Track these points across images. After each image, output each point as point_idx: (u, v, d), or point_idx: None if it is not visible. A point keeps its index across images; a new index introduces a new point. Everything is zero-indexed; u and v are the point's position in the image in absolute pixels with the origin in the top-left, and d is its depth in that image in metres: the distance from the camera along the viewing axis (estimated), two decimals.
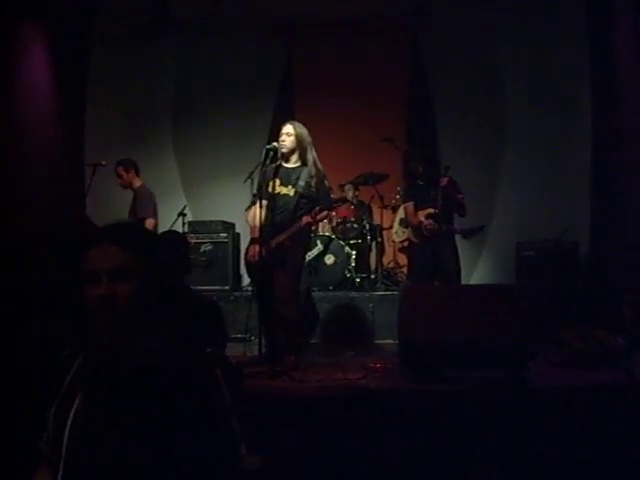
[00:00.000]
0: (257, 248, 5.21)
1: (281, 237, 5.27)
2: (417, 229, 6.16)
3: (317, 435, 3.81)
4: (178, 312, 1.85)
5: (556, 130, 8.27)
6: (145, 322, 1.74)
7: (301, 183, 5.34)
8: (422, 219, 6.06)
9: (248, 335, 6.54)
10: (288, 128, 5.42)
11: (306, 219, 5.26)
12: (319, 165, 5.47)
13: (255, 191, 5.56)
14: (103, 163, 7.11)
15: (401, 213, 6.63)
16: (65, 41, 7.76)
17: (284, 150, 5.38)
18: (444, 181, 5.97)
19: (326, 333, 6.66)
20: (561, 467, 3.67)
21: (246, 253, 5.52)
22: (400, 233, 6.51)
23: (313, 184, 5.37)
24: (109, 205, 7.96)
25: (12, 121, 6.79)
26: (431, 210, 6.03)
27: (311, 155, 5.45)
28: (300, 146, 5.41)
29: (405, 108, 9.33)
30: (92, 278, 1.70)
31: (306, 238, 5.63)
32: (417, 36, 9.25)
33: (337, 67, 9.07)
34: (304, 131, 5.47)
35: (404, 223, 6.43)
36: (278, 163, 5.41)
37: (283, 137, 5.39)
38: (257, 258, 5.18)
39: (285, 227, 5.32)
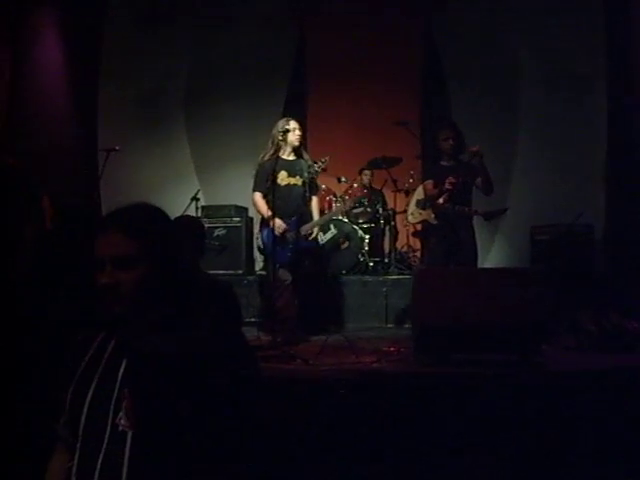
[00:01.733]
0: (280, 221, 5.62)
1: (311, 225, 5.79)
2: (436, 208, 6.10)
3: (330, 418, 3.82)
4: (197, 298, 1.83)
5: (571, 112, 8.20)
6: (158, 308, 1.73)
7: (305, 174, 5.78)
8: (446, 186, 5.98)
9: (261, 319, 6.56)
10: (296, 124, 5.81)
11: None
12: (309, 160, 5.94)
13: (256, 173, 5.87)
14: (117, 148, 7.12)
15: (418, 194, 6.55)
16: (77, 26, 7.77)
17: (297, 144, 5.78)
18: (476, 148, 5.88)
19: (339, 317, 6.66)
20: (575, 451, 3.66)
21: (272, 234, 5.62)
22: (416, 214, 6.43)
23: (312, 172, 5.82)
24: (123, 190, 7.98)
25: (25, 107, 6.81)
26: (452, 180, 5.93)
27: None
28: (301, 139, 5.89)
29: (419, 91, 9.28)
30: (98, 265, 1.70)
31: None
32: (431, 19, 9.18)
33: (350, 51, 9.02)
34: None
35: (421, 204, 6.37)
36: (276, 156, 5.69)
37: (297, 131, 5.77)
38: (280, 230, 5.61)
39: (303, 216, 5.77)
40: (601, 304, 5.59)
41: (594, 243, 7.16)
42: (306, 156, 5.91)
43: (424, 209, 6.30)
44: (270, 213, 5.62)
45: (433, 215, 6.16)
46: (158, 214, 1.83)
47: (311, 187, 5.85)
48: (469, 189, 6.06)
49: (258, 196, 5.81)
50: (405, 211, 7.87)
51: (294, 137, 5.74)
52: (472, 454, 3.68)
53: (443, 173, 6.02)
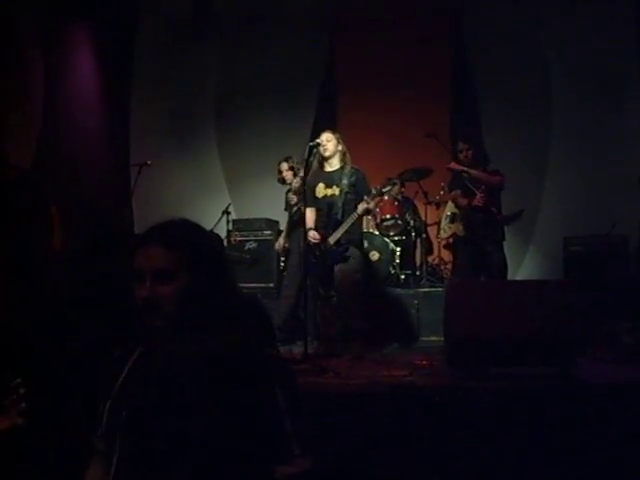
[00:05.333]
0: (314, 232, 5.68)
1: (338, 233, 5.64)
2: (464, 219, 6.15)
3: (362, 432, 3.80)
4: (233, 312, 1.84)
5: (604, 121, 8.12)
6: (198, 322, 1.74)
7: (345, 182, 5.71)
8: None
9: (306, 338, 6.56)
10: (327, 135, 5.79)
11: (362, 205, 5.60)
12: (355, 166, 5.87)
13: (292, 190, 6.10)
14: (148, 163, 7.19)
15: (449, 208, 6.60)
16: (110, 41, 7.88)
17: (327, 154, 5.75)
18: (453, 165, 6.20)
19: (371, 330, 6.63)
20: (611, 464, 3.60)
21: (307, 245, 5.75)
22: (447, 229, 6.49)
23: (354, 181, 5.72)
24: (154, 204, 8.05)
25: (58, 122, 6.90)
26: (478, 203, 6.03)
27: (348, 157, 5.85)
28: (340, 149, 5.79)
29: (449, 103, 9.24)
30: (138, 278, 1.72)
31: (360, 235, 5.97)
32: (461, 29, 9.15)
33: (380, 62, 9.02)
34: (339, 137, 5.85)
35: (449, 219, 6.41)
36: (315, 169, 5.83)
37: (324, 143, 5.74)
38: (316, 239, 5.65)
39: (339, 224, 5.68)
40: (636, 316, 5.51)
41: (629, 254, 7.06)
42: (350, 163, 5.83)
43: (453, 222, 6.35)
44: (309, 225, 5.75)
45: (461, 227, 6.20)
46: (197, 229, 1.86)
47: (355, 195, 5.72)
48: (492, 194, 6.12)
49: (307, 211, 5.83)
50: (436, 223, 7.85)
51: (322, 149, 5.74)
52: (505, 467, 3.63)
53: (467, 184, 6.12)
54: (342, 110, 9.23)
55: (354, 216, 5.63)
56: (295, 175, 6.81)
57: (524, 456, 3.65)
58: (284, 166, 6.88)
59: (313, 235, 5.69)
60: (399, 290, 7.18)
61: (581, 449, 3.66)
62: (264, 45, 8.98)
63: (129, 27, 8.46)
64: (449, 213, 6.49)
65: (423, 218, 7.94)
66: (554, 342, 4.35)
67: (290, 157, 6.93)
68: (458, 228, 6.24)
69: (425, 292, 7.03)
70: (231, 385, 1.66)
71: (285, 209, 7.07)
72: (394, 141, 8.86)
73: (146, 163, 7.17)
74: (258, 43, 9.00)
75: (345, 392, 4.26)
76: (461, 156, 6.28)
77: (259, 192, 8.77)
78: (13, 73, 6.28)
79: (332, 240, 5.68)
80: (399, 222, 7.85)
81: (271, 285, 7.55)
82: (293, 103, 8.97)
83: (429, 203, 7.85)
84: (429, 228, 8.05)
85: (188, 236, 1.79)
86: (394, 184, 5.89)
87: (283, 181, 6.96)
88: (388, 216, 7.78)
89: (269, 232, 7.81)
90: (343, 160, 5.82)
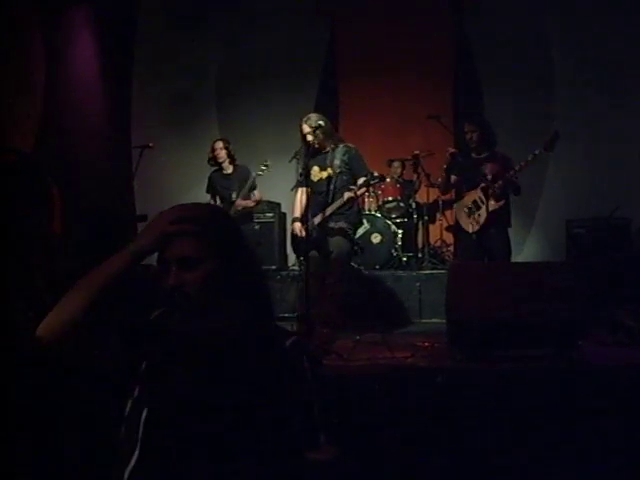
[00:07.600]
0: (299, 225, 5.64)
1: (325, 213, 5.54)
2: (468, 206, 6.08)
3: (364, 413, 3.82)
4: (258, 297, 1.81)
5: (606, 104, 8.09)
6: (221, 307, 1.71)
7: (336, 162, 5.62)
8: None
9: (295, 314, 6.58)
10: (305, 128, 5.59)
11: (348, 194, 5.51)
12: (348, 143, 5.77)
13: (301, 170, 5.79)
14: (150, 145, 7.17)
15: (469, 198, 6.48)
16: (111, 24, 7.84)
17: (316, 146, 5.60)
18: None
19: (373, 312, 6.65)
20: (612, 446, 3.62)
21: (292, 231, 5.79)
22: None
23: (347, 159, 5.61)
24: (156, 187, 8.04)
25: (60, 106, 6.89)
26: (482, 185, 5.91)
27: (337, 136, 5.80)
28: (325, 134, 5.59)
29: (451, 85, 9.20)
30: (164, 266, 1.68)
31: (353, 215, 5.75)
32: (463, 10, 9.10)
33: (381, 44, 8.98)
34: (320, 120, 5.60)
35: (470, 210, 6.31)
36: (311, 152, 5.60)
37: (307, 137, 5.57)
38: (302, 233, 5.51)
39: (327, 206, 5.59)
40: (638, 298, 5.51)
41: (631, 237, 7.06)
42: (340, 142, 5.71)
43: (471, 215, 6.23)
44: (295, 214, 5.76)
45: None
46: (221, 214, 1.85)
47: (349, 174, 5.61)
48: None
49: (299, 192, 5.80)
50: (436, 202, 7.85)
51: (308, 141, 5.58)
52: (507, 448, 3.65)
53: (472, 167, 6.01)
54: (344, 92, 9.20)
55: (341, 201, 5.52)
56: (230, 158, 6.88)
57: (525, 437, 3.67)
58: (219, 144, 6.91)
59: (299, 228, 5.63)
60: (401, 272, 7.19)
61: (582, 431, 3.68)
62: (265, 30, 8.93)
63: (130, 9, 8.41)
64: (470, 205, 6.23)
65: (425, 200, 7.94)
66: (556, 324, 4.36)
67: (226, 139, 6.99)
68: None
69: (427, 274, 7.05)
70: (261, 371, 1.64)
71: (207, 191, 7.08)
72: (396, 123, 8.84)
73: (148, 145, 7.14)
74: (259, 28, 8.95)
75: (347, 373, 4.27)
76: (467, 138, 6.11)
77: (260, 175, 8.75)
78: (14, 56, 6.24)
79: (316, 221, 5.57)
80: (401, 204, 7.86)
81: (273, 267, 7.57)
82: (294, 86, 8.93)
83: (431, 185, 7.85)
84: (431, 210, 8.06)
85: (211, 222, 1.74)
86: (383, 178, 5.84)
87: (214, 160, 6.95)
88: (390, 198, 7.79)
89: (271, 214, 7.83)
90: (334, 141, 5.69)
